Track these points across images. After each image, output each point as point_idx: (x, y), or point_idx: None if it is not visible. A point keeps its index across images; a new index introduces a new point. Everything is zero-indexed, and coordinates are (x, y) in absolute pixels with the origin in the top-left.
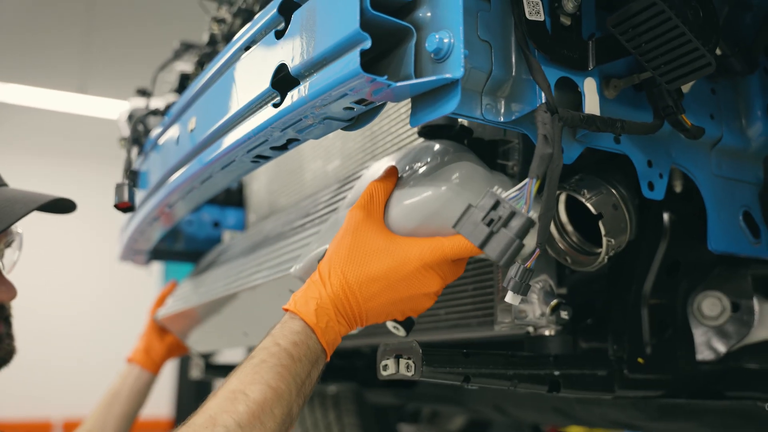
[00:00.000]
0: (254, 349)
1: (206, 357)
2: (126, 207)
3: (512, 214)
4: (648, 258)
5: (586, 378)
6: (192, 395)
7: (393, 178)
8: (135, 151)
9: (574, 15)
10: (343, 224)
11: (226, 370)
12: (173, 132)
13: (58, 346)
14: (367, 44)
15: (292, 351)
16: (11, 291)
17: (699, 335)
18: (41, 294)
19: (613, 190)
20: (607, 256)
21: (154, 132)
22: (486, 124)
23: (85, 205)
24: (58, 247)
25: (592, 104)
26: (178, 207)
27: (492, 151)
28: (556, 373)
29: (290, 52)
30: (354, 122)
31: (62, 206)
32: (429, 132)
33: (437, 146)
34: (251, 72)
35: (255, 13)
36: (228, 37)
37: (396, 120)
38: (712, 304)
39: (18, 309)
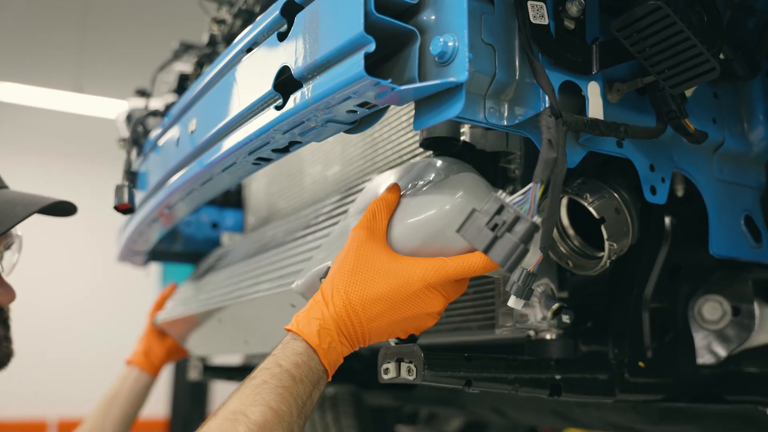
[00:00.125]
0: (255, 368)
1: (204, 359)
2: (126, 209)
3: (517, 219)
4: (649, 262)
5: (587, 382)
6: (188, 396)
7: (395, 195)
8: (134, 152)
9: (578, 19)
10: (346, 244)
11: (224, 371)
12: (173, 133)
13: (53, 345)
14: (372, 47)
15: (293, 372)
16: (10, 294)
17: (699, 339)
18: (36, 293)
19: (616, 194)
20: (609, 260)
21: (154, 133)
22: (489, 127)
23: (81, 203)
24: (52, 246)
25: (595, 108)
26: (178, 208)
27: (494, 165)
28: (558, 377)
29: (293, 54)
30: (357, 125)
31: (62, 209)
32: (432, 143)
33: (440, 163)
34: (253, 74)
35: (255, 14)
36: (228, 38)
37: (396, 128)
38: (712, 308)
39: (13, 308)
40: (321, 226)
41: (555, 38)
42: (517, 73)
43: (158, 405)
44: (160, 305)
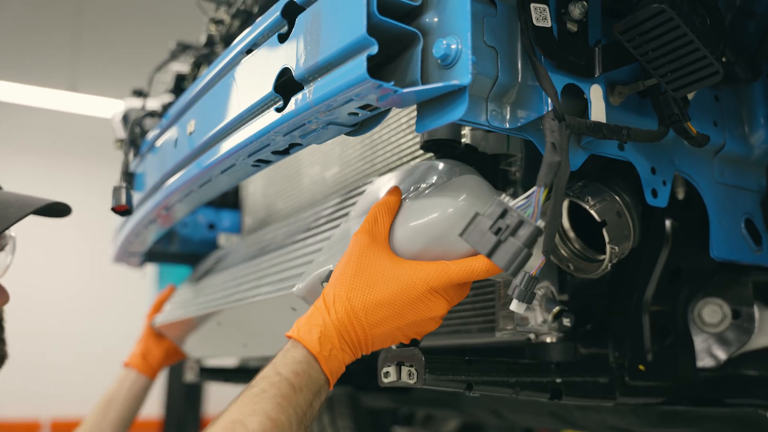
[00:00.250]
0: (255, 377)
1: (200, 360)
2: (124, 210)
3: (520, 223)
4: (650, 264)
5: (587, 385)
6: (182, 396)
7: (397, 199)
8: (131, 153)
9: (581, 21)
10: (347, 249)
11: (220, 373)
12: (171, 134)
13: (47, 345)
14: (374, 49)
15: (293, 381)
16: (4, 296)
17: (699, 342)
18: (29, 293)
19: (617, 197)
20: (610, 264)
21: (151, 134)
22: (491, 130)
23: (75, 202)
24: (46, 245)
25: (598, 111)
26: (176, 210)
27: (495, 167)
28: (558, 380)
29: (294, 56)
30: (358, 127)
31: (57, 210)
32: (433, 146)
33: (441, 165)
34: (253, 75)
35: (253, 15)
36: (226, 39)
37: (396, 129)
38: (712, 311)
39: (6, 309)
40: (321, 229)
41: (558, 41)
42: (520, 76)
43: (152, 405)
44: (158, 308)
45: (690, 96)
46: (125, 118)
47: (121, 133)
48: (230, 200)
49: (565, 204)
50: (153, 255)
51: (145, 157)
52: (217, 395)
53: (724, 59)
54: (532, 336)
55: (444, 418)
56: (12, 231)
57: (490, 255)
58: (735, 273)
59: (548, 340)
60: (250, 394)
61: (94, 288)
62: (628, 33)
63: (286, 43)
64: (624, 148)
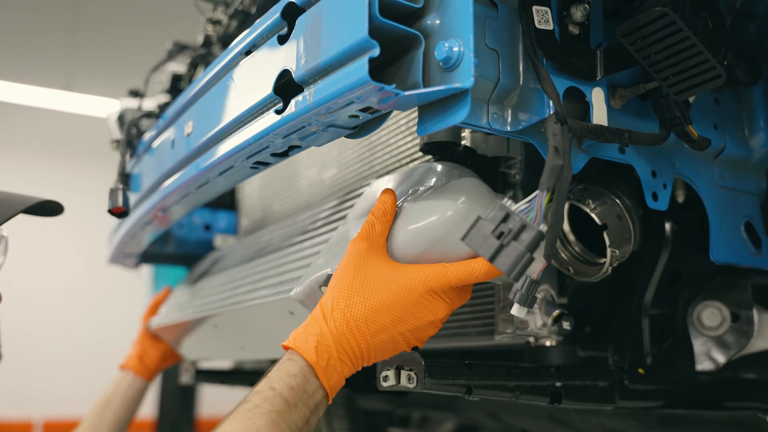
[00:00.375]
0: (250, 391)
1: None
2: (120, 212)
3: (523, 227)
4: (650, 268)
5: (587, 389)
6: (176, 397)
7: (393, 203)
8: (128, 153)
9: (583, 24)
10: (344, 256)
11: (216, 375)
12: (168, 135)
13: (39, 345)
14: (376, 52)
15: (287, 396)
16: None
17: (699, 345)
18: (21, 293)
19: (618, 201)
20: (610, 267)
21: (148, 135)
22: (492, 133)
23: (69, 201)
24: (39, 245)
25: (599, 114)
26: (173, 211)
27: (495, 170)
28: (558, 384)
29: (294, 57)
30: (358, 130)
31: (49, 209)
32: (432, 148)
33: (440, 168)
34: (252, 77)
35: (251, 15)
36: (223, 39)
37: (395, 131)
38: (712, 315)
39: None
40: (319, 232)
41: (559, 43)
42: (521, 79)
43: (146, 406)
44: (153, 310)
45: (690, 99)
46: (121, 119)
47: (117, 134)
48: (226, 201)
49: (566, 207)
50: (148, 256)
51: (141, 158)
52: (211, 396)
53: (725, 62)
54: (531, 339)
55: (440, 420)
56: (4, 230)
57: (492, 259)
58: (734, 276)
59: (548, 343)
60: (243, 409)
61: (87, 287)
62: (631, 36)
63: (286, 44)
64: (625, 151)
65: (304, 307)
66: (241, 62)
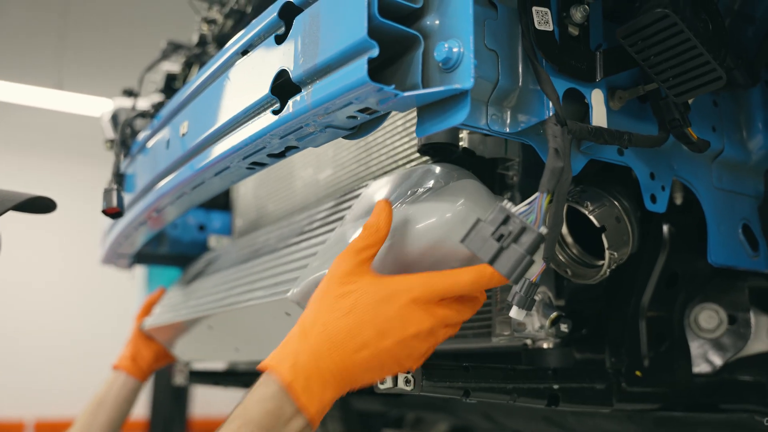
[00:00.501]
0: (226, 418)
1: (188, 363)
2: (114, 212)
3: (523, 230)
4: (647, 270)
5: (584, 391)
6: (169, 396)
7: (388, 218)
8: (122, 153)
9: (582, 25)
10: (328, 271)
11: (209, 376)
12: (163, 135)
13: (31, 345)
14: (375, 52)
15: (263, 421)
16: None
17: (696, 348)
18: (12, 293)
19: (616, 202)
20: (608, 269)
21: (142, 134)
22: (491, 134)
23: (60, 199)
24: (30, 243)
25: (599, 116)
26: (167, 212)
27: (492, 171)
28: (555, 386)
29: (291, 57)
30: (356, 131)
31: (41, 205)
32: (430, 149)
33: (439, 169)
34: (249, 77)
35: (247, 15)
36: (219, 38)
37: (392, 132)
38: (709, 317)
39: None
40: (316, 233)
41: (559, 44)
42: (520, 80)
43: (138, 406)
44: (147, 310)
45: (690, 101)
46: (114, 118)
47: (110, 133)
48: (221, 201)
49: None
50: (142, 257)
51: (135, 158)
52: (203, 396)
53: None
54: (528, 341)
55: (434, 421)
56: None
57: (491, 262)
58: (731, 278)
59: (545, 345)
60: None
61: (79, 287)
62: (631, 37)
63: (283, 44)
64: (623, 153)
65: (301, 308)
66: (238, 62)
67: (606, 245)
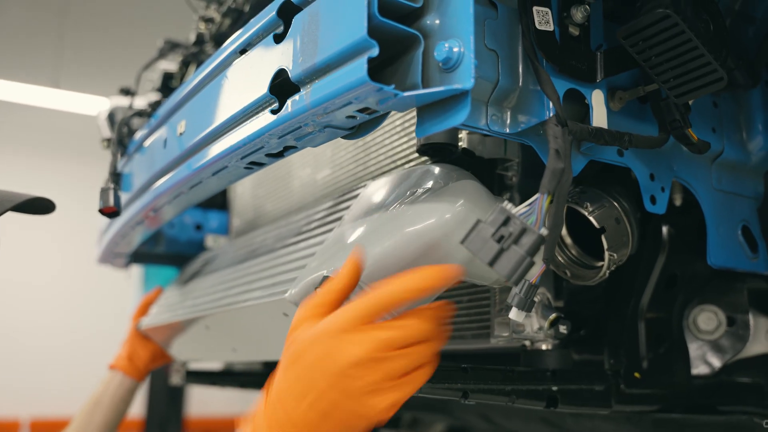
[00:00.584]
0: None
1: (185, 363)
2: (112, 212)
3: (523, 231)
4: (646, 271)
5: (583, 393)
6: (165, 396)
7: (356, 274)
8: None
9: (583, 25)
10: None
11: (206, 376)
12: (161, 134)
13: (26, 343)
14: (375, 52)
15: None
16: None
17: (694, 349)
18: (6, 289)
19: (615, 203)
20: (608, 271)
21: (139, 133)
22: (491, 135)
23: (57, 198)
24: (26, 241)
25: (599, 117)
26: (164, 211)
27: (491, 172)
28: (554, 388)
29: (290, 57)
30: (355, 131)
31: (40, 206)
32: (429, 150)
33: (438, 170)
34: (247, 76)
35: (244, 14)
36: (216, 37)
37: (390, 132)
38: (707, 318)
39: None
40: (314, 233)
41: (559, 45)
42: (520, 80)
43: (134, 405)
44: (144, 310)
45: (690, 102)
46: (111, 117)
47: (107, 132)
48: (218, 201)
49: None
50: (139, 256)
51: (132, 158)
52: (199, 396)
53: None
54: (527, 343)
55: (431, 421)
56: None
57: (492, 263)
58: (730, 280)
59: (544, 347)
60: None
61: (75, 286)
62: (632, 38)
63: (282, 43)
64: (623, 154)
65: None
66: (236, 61)
67: (605, 246)
